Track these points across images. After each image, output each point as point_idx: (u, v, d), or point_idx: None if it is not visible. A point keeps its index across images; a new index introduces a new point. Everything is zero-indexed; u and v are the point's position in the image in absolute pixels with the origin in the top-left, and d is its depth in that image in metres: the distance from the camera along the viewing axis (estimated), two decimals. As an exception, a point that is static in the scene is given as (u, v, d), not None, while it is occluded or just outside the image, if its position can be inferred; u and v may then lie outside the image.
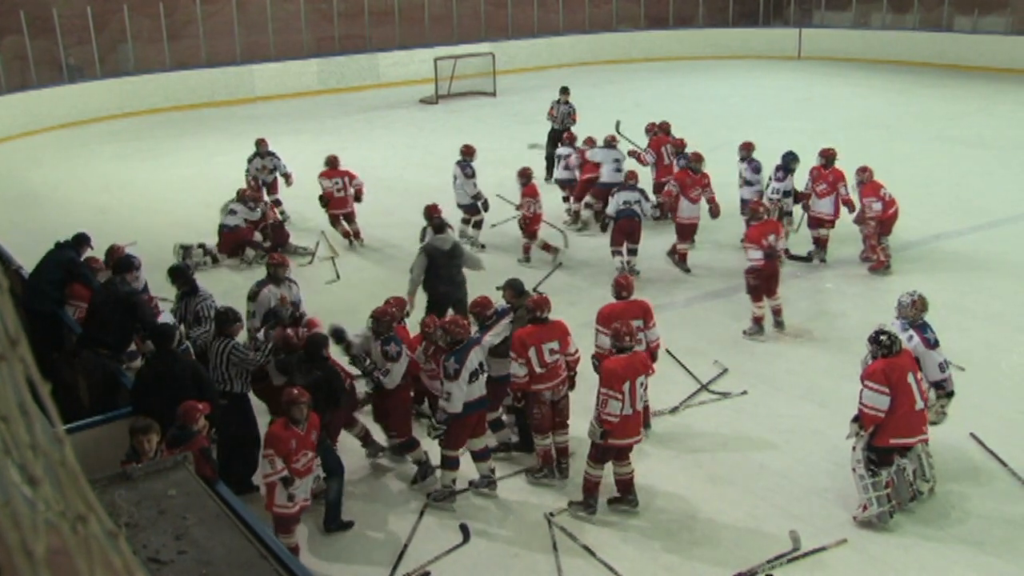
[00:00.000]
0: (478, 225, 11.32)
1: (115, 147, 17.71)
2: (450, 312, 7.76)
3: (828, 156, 10.17)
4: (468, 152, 11.11)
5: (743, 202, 10.59)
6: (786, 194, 10.13)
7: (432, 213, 8.94)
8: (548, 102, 14.22)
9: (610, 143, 11.68)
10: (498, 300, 6.99)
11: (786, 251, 10.34)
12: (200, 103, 21.13)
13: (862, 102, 19.65)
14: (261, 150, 12.19)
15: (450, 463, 6.27)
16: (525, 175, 10.67)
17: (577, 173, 11.84)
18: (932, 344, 6.22)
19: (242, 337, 6.94)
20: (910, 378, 5.73)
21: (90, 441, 5.22)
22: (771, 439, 6.93)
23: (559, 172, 12.38)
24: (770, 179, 10.53)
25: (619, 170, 11.27)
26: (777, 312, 8.78)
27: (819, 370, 8.02)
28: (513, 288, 6.84)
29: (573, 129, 13.21)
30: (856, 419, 5.92)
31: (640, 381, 5.91)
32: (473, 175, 11.04)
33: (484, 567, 5.67)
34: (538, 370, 6.26)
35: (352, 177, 11.33)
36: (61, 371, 7.13)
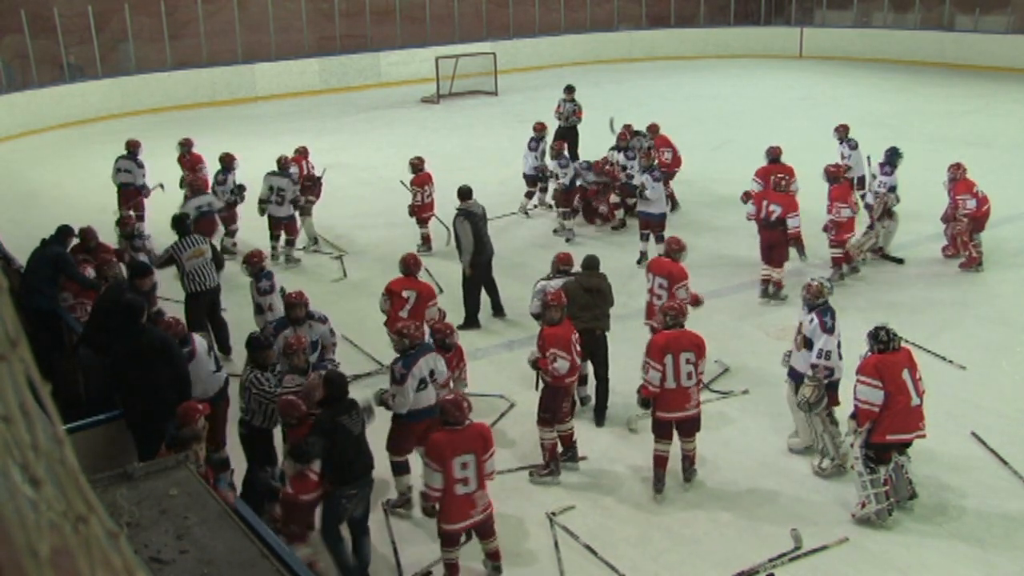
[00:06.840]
0: (536, 193, 12.24)
1: (116, 146, 17.53)
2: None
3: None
4: (537, 128, 12.15)
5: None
6: (891, 189, 10.05)
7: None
8: (549, 101, 14.24)
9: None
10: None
11: (880, 249, 10.31)
12: (201, 103, 21.14)
13: (863, 101, 19.62)
14: (132, 151, 11.61)
15: (398, 468, 6.16)
16: (414, 164, 10.92)
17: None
18: (828, 328, 6.28)
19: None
20: (905, 374, 5.73)
21: (90, 441, 5.23)
22: (772, 438, 6.93)
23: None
24: (874, 176, 10.44)
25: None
26: (776, 283, 9.32)
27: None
28: (585, 262, 7.33)
29: (578, 127, 13.29)
30: (853, 416, 5.93)
31: (687, 357, 6.02)
32: (535, 149, 11.95)
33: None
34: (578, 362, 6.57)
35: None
36: (61, 370, 7.11)
